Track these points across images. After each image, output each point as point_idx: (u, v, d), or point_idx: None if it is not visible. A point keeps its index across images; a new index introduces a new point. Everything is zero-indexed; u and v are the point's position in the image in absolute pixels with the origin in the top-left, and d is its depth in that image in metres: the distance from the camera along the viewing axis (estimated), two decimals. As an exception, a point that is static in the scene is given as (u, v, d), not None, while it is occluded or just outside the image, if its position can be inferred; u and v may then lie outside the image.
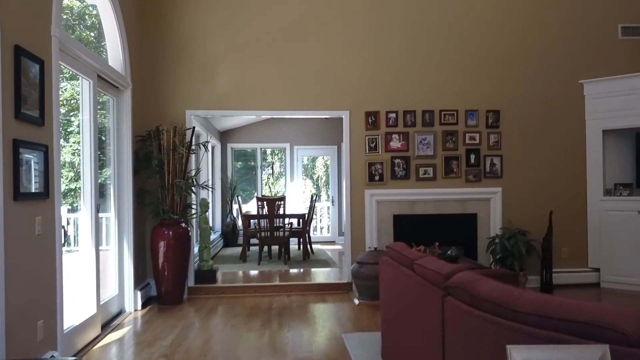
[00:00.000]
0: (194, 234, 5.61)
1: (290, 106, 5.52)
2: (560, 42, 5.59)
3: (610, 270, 5.41)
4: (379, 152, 5.49)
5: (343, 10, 5.49)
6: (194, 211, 5.36)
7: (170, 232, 4.87)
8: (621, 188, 5.46)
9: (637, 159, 5.41)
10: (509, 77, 5.56)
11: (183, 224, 5.02)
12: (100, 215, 4.07)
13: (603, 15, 5.59)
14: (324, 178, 10.68)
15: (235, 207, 9.16)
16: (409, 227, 5.52)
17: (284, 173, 10.19)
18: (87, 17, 4.75)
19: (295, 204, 9.60)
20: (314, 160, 10.63)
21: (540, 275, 5.33)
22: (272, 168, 10.45)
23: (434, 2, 5.53)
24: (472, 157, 5.54)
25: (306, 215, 7.76)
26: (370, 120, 5.47)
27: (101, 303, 4.07)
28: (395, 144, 5.50)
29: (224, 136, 9.76)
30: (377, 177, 5.48)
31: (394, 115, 5.48)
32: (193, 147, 5.27)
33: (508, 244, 5.19)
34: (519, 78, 5.57)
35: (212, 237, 7.98)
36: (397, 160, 5.50)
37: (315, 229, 9.94)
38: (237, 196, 8.94)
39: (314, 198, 8.28)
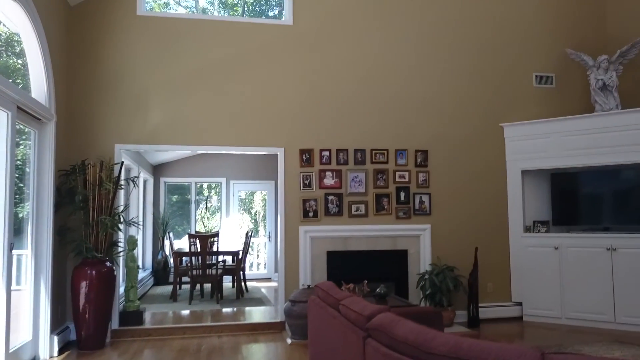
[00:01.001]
0: (120, 273, 5.35)
1: (226, 142, 5.49)
2: (482, 87, 5.97)
3: (532, 304, 5.68)
4: (313, 189, 5.55)
5: (279, 50, 5.60)
6: (120, 249, 5.13)
7: (94, 272, 4.62)
8: (539, 225, 5.80)
9: (552, 197, 5.80)
10: (436, 118, 5.85)
11: (108, 263, 4.78)
12: (15, 252, 3.80)
13: (520, 65, 6.05)
14: (262, 213, 10.60)
15: (167, 243, 8.86)
16: (343, 264, 5.56)
17: (219, 208, 10.02)
18: (15, 43, 4.55)
19: (231, 240, 9.43)
20: (252, 194, 10.55)
21: (467, 310, 5.51)
22: (207, 203, 10.27)
23: (364, 46, 5.77)
24: (402, 194, 5.72)
25: (241, 252, 7.63)
26: (304, 158, 5.54)
27: (10, 351, 3.75)
28: (329, 181, 5.58)
29: (158, 170, 9.51)
30: (311, 214, 5.52)
31: (327, 153, 5.58)
32: (121, 182, 5.09)
33: (437, 279, 5.34)
34: (445, 120, 5.87)
35: (141, 275, 7.65)
36: (330, 197, 5.57)
37: (251, 266, 9.77)
38: (169, 232, 8.67)
39: (250, 234, 8.17)
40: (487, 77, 5.99)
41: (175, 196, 10.21)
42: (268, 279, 9.51)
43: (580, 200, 5.70)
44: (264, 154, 8.31)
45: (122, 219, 5.04)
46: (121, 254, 5.17)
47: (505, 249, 5.87)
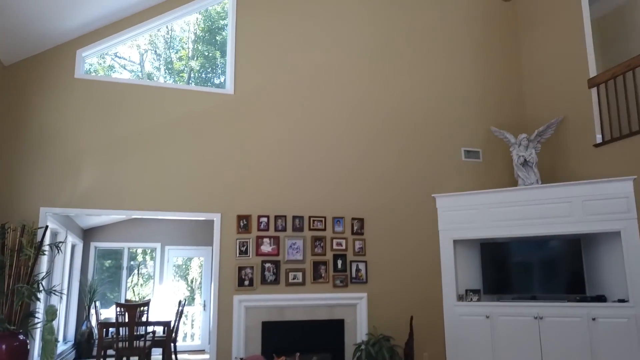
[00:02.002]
0: (36, 346, 4.92)
1: (162, 207, 5.38)
2: (416, 160, 6.26)
3: (466, 374, 5.69)
4: (249, 256, 5.47)
5: (219, 117, 5.69)
6: (37, 320, 4.76)
7: (3, 346, 4.22)
8: (471, 294, 5.94)
9: (482, 267, 6.01)
10: (372, 188, 6.03)
11: (21, 336, 4.40)
12: None
13: (450, 140, 6.43)
14: (199, 280, 10.22)
15: (93, 313, 8.29)
16: (278, 334, 5.40)
17: (153, 275, 9.59)
18: None
19: (163, 309, 8.97)
20: (190, 260, 10.20)
21: (403, 382, 5.43)
22: (139, 269, 9.81)
23: (302, 116, 5.97)
24: (340, 262, 5.74)
25: (173, 322, 7.25)
26: (242, 224, 5.49)
27: None
28: (267, 248, 5.53)
29: (88, 234, 9.06)
30: (247, 282, 5.40)
31: (265, 219, 5.57)
32: (44, 248, 4.80)
33: (373, 350, 5.28)
34: (381, 189, 6.06)
35: (62, 348, 7.06)
36: (267, 265, 5.49)
37: (184, 337, 9.27)
38: (96, 301, 8.14)
39: (183, 302, 7.82)
40: (421, 150, 6.31)
41: (109, 261, 9.70)
42: (202, 351, 9.02)
43: (509, 269, 5.93)
44: (203, 219, 8.17)
45: (41, 288, 4.71)
46: (38, 325, 4.78)
47: (440, 318, 5.94)
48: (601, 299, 5.34)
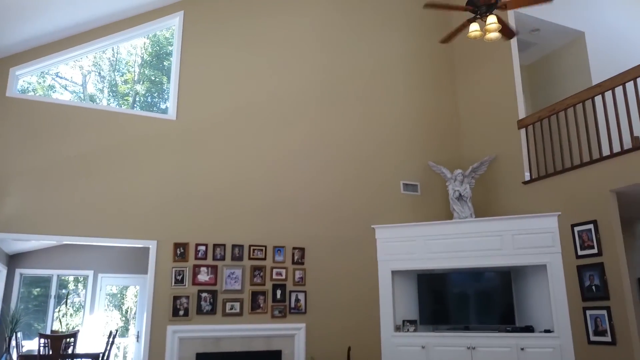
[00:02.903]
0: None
1: (95, 233, 5.18)
2: (357, 191, 6.38)
3: (402, 405, 5.72)
4: (185, 285, 5.32)
5: (160, 143, 5.60)
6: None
7: None
8: (408, 324, 6.04)
9: (419, 297, 6.13)
10: (314, 218, 6.07)
11: None
12: None
13: (390, 173, 6.61)
14: (134, 309, 9.79)
15: (14, 344, 7.73)
16: (213, 367, 5.25)
17: (83, 304, 9.10)
18: None
19: (94, 340, 8.50)
20: (126, 289, 9.77)
21: (339, 414, 5.39)
22: (67, 298, 9.29)
23: (243, 145, 5.98)
24: (279, 292, 5.69)
25: (102, 354, 6.88)
26: (178, 252, 5.37)
27: None
28: (204, 277, 5.41)
29: (14, 260, 8.53)
30: (182, 312, 5.24)
31: (203, 247, 5.47)
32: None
33: (310, 382, 5.22)
34: (323, 219, 6.11)
35: (-25, 384, 6.51)
36: (204, 294, 5.37)
37: (115, 370, 8.80)
38: (17, 332, 7.62)
39: (114, 333, 7.45)
40: (362, 182, 6.44)
41: (37, 289, 9.13)
42: (133, 386, 8.58)
43: (445, 300, 6.08)
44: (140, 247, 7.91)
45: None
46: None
47: (377, 348, 5.97)
48: (529, 329, 5.57)
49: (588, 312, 5.13)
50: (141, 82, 6.99)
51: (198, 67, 5.98)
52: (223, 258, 5.54)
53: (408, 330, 5.98)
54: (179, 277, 5.31)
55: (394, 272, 6.18)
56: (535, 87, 7.71)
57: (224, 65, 6.11)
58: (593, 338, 5.06)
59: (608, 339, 4.91)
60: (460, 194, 6.14)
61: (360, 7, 7.07)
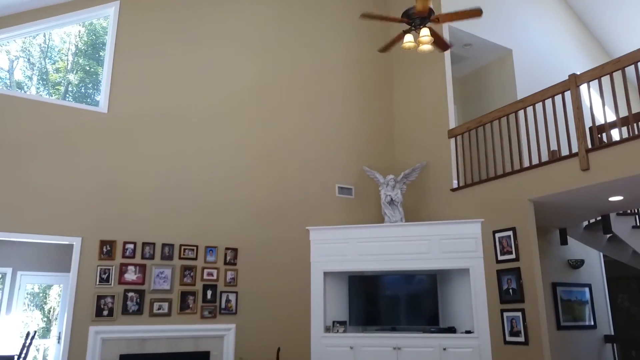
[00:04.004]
0: None
1: (13, 227, 4.90)
2: (292, 192, 6.43)
3: (329, 405, 5.81)
4: (111, 285, 5.15)
5: (85, 135, 5.39)
6: None
7: None
8: (338, 325, 6.14)
9: (349, 299, 6.26)
10: (248, 218, 6.05)
11: None
12: None
13: (325, 176, 6.71)
14: (58, 310, 9.31)
15: None
16: (137, 369, 5.11)
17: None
18: None
19: (9, 342, 8.01)
20: (49, 287, 9.27)
21: (266, 415, 5.40)
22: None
23: (176, 141, 5.88)
24: (209, 292, 5.62)
25: (17, 356, 6.51)
26: (105, 250, 5.19)
27: None
28: (131, 276, 5.26)
29: None
30: (105, 312, 5.06)
31: (132, 246, 5.32)
32: None
33: (237, 383, 5.20)
34: (256, 220, 6.11)
35: None
36: (130, 294, 5.21)
37: (32, 373, 8.33)
38: None
39: (33, 335, 7.07)
40: (297, 184, 6.49)
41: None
42: (52, 390, 8.17)
43: (374, 301, 6.23)
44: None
45: None
46: None
47: (307, 349, 6.03)
48: (452, 330, 5.83)
49: (505, 314, 5.44)
50: (75, 72, 6.70)
51: (133, 60, 5.81)
52: (152, 257, 5.40)
53: (338, 331, 6.08)
54: (104, 276, 5.13)
55: (326, 274, 6.27)
56: (466, 99, 8.09)
57: (160, 60, 5.98)
58: (508, 338, 5.37)
59: (522, 339, 5.23)
60: (391, 199, 6.33)
61: (302, 11, 7.13)
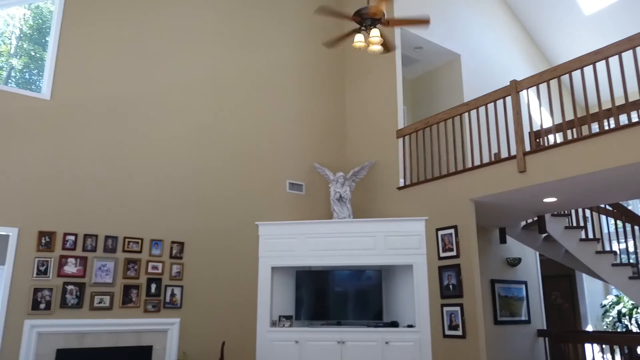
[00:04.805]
0: None
1: (-58, 216, 4.66)
2: (242, 187, 6.42)
3: (272, 399, 5.86)
4: (49, 277, 4.98)
5: (26, 121, 5.19)
6: None
7: None
8: (284, 320, 6.19)
9: (296, 293, 6.32)
10: (196, 212, 6.00)
11: None
12: None
13: (276, 172, 6.74)
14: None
15: None
16: (76, 364, 4.97)
17: None
18: None
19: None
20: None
21: (209, 409, 5.38)
22: None
23: (120, 130, 5.76)
24: (154, 286, 5.54)
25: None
26: (43, 241, 5.01)
27: None
28: (71, 268, 5.11)
29: None
30: (43, 305, 4.90)
31: (72, 237, 5.16)
32: None
33: (180, 377, 5.16)
34: (205, 214, 6.06)
35: None
36: (70, 287, 5.06)
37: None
38: None
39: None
40: (247, 179, 6.49)
41: None
42: (-16, 388, 7.79)
43: (320, 296, 6.32)
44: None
45: None
46: None
47: (253, 343, 6.04)
48: (394, 324, 5.99)
49: (445, 309, 5.65)
50: (18, 57, 6.41)
51: (79, 46, 5.63)
52: (94, 249, 5.27)
53: (284, 325, 6.13)
54: (42, 268, 4.96)
55: (273, 269, 6.30)
56: (417, 100, 8.31)
57: (107, 47, 5.82)
58: (447, 332, 5.58)
59: (460, 332, 5.45)
60: (340, 196, 6.43)
61: (256, 7, 7.12)
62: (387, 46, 5.11)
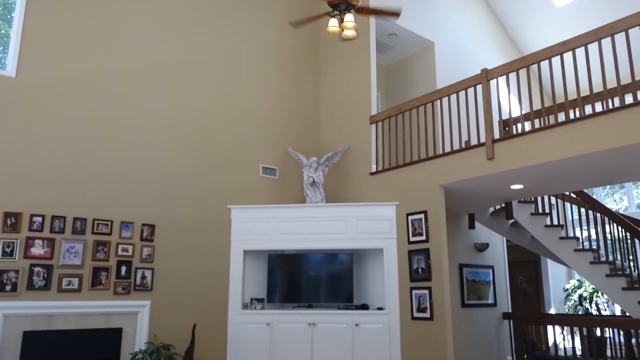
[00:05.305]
0: None
1: None
2: (215, 170, 6.39)
3: (243, 380, 5.92)
4: (15, 259, 4.90)
5: (-5, 101, 5.06)
6: None
7: None
8: (256, 302, 6.23)
9: (269, 276, 6.36)
10: (167, 195, 5.96)
11: None
12: None
13: (249, 156, 6.72)
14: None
15: None
16: (45, 346, 4.93)
17: None
18: None
19: None
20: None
21: (179, 390, 5.41)
22: None
23: (96, 112, 5.66)
24: (124, 269, 5.50)
25: None
26: (9, 222, 4.91)
27: None
28: (38, 250, 5.03)
29: None
30: (8, 287, 4.82)
31: (40, 219, 5.07)
32: None
33: (150, 359, 5.16)
34: (177, 197, 6.02)
35: None
36: (37, 269, 4.99)
37: None
38: None
39: None
40: (221, 162, 6.46)
41: None
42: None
43: (292, 279, 6.38)
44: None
45: None
46: None
47: (225, 326, 6.08)
48: (365, 307, 6.10)
49: (414, 292, 5.78)
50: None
51: (46, 23, 5.47)
52: (62, 231, 5.19)
53: (255, 308, 6.18)
54: (8, 250, 4.87)
55: (246, 252, 6.33)
56: (391, 87, 8.37)
57: (76, 24, 5.67)
58: (416, 314, 5.72)
59: (427, 315, 5.60)
60: (313, 180, 6.47)
61: (232, -13, 7.03)
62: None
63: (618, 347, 6.54)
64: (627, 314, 6.08)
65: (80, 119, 5.52)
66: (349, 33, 4.85)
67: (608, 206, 8.29)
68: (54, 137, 5.33)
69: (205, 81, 6.54)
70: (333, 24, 4.88)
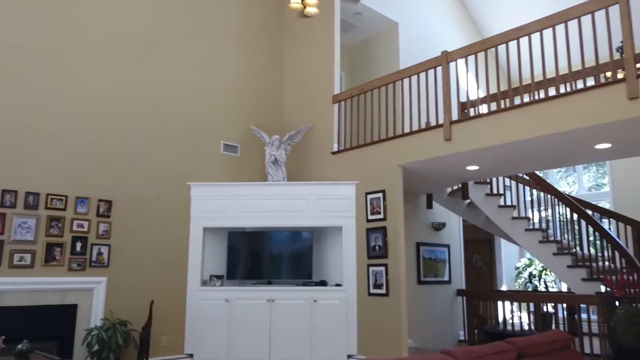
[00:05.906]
0: None
1: None
2: (174, 147, 6.30)
3: (202, 355, 5.96)
4: (-37, 234, 4.75)
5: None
6: None
7: None
8: (215, 279, 6.25)
9: (228, 254, 6.38)
10: (125, 170, 5.85)
11: None
12: None
13: (211, 132, 6.65)
14: None
15: None
16: (-6, 322, 4.83)
17: None
18: None
19: None
20: None
21: (136, 366, 5.41)
22: None
23: (50, 81, 5.47)
24: (79, 245, 5.41)
25: None
26: (-44, 196, 4.74)
27: None
28: (-13, 225, 4.88)
29: None
30: (-44, 263, 4.68)
31: (-11, 193, 4.92)
32: None
33: (106, 335, 5.13)
34: (135, 173, 5.92)
35: None
36: (-14, 244, 4.85)
37: None
38: None
39: None
40: (181, 138, 6.37)
41: None
42: None
43: (252, 256, 6.42)
44: None
45: None
46: None
47: (183, 303, 6.08)
48: (323, 283, 6.21)
49: (371, 269, 5.92)
50: None
51: (-5, -12, 5.22)
52: (14, 206, 5.04)
53: (214, 284, 6.20)
54: (-45, 224, 4.71)
55: (205, 229, 6.31)
56: (355, 67, 8.39)
57: (29, -8, 5.43)
58: (372, 290, 5.87)
59: (383, 291, 5.75)
60: (275, 159, 6.47)
61: (194, -42, 6.84)
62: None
63: (562, 322, 6.91)
64: (572, 290, 6.41)
65: (33, 90, 5.32)
66: (312, 10, 4.81)
67: (561, 189, 8.64)
68: (3, 106, 5.12)
69: (165, 55, 6.39)
70: (296, 0, 4.83)
